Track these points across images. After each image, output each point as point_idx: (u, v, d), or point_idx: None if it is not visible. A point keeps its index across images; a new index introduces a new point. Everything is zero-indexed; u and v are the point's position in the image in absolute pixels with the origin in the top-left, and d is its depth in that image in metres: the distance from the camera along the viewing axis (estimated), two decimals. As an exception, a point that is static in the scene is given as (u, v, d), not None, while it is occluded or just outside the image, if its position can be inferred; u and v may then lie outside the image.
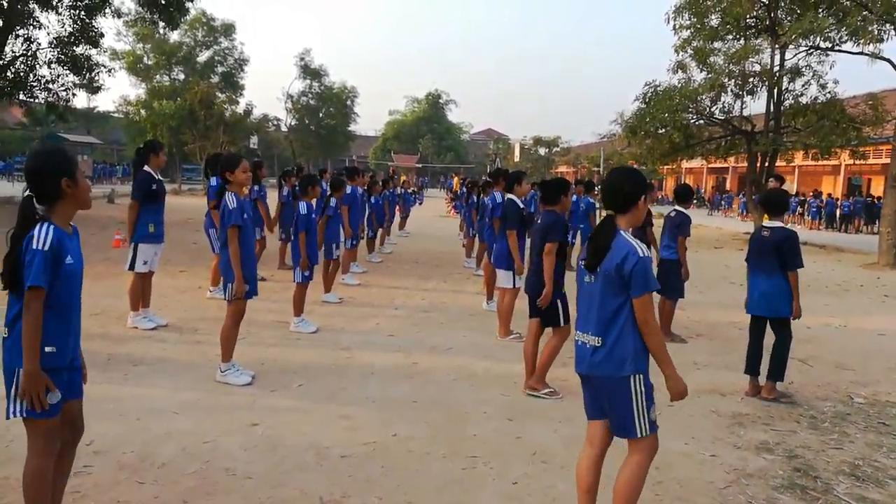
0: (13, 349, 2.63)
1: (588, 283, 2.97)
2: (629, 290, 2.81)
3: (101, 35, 21.92)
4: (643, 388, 2.87)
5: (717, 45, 19.37)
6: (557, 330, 5.30)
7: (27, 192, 2.66)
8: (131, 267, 6.59)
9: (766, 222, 5.51)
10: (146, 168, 6.60)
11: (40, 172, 2.66)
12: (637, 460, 2.93)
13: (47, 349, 2.64)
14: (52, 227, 2.61)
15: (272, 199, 10.29)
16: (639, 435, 2.88)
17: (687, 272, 7.30)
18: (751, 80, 19.09)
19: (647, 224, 8.39)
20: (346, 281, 9.80)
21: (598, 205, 12.52)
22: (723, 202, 38.65)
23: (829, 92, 18.45)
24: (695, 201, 33.55)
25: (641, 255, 2.80)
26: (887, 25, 15.45)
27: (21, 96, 22.06)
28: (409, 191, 24.17)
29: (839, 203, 28.85)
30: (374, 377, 5.57)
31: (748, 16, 18.55)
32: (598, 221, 3.24)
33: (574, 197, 11.56)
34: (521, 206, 6.97)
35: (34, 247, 2.56)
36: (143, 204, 6.54)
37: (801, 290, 5.39)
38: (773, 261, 5.34)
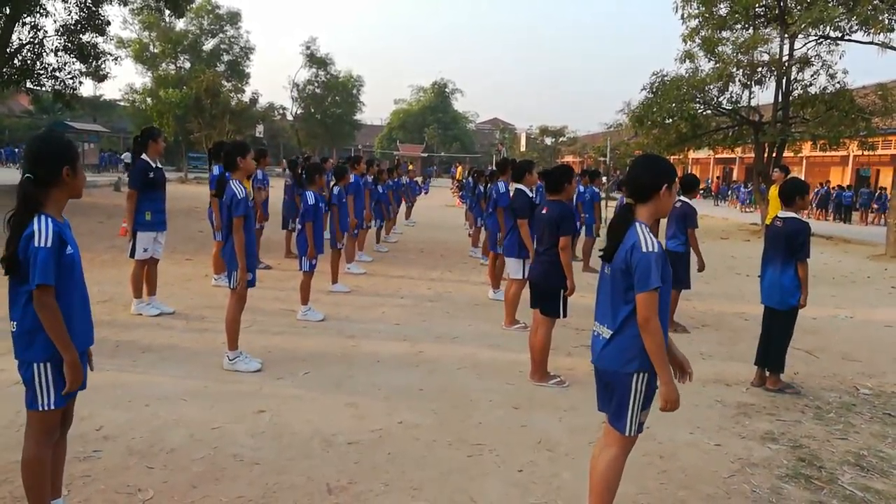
0: (23, 340, 2.64)
1: (606, 274, 2.92)
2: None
3: (108, 23, 21.98)
4: (643, 388, 2.81)
5: (725, 34, 19.23)
6: (548, 320, 5.28)
7: (26, 175, 2.63)
8: (132, 254, 6.63)
9: (781, 213, 5.46)
10: (144, 156, 6.60)
11: (43, 157, 2.65)
12: (614, 453, 2.91)
13: None
14: (49, 219, 2.60)
15: (279, 190, 10.30)
16: (625, 433, 2.85)
17: (702, 263, 7.28)
18: (759, 69, 18.95)
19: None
20: (351, 270, 9.82)
21: (602, 195, 12.45)
22: (730, 192, 38.48)
23: (839, 82, 18.32)
24: (701, 192, 33.25)
25: (646, 249, 2.70)
26: (898, 15, 15.29)
27: (28, 84, 22.14)
28: (415, 180, 24.17)
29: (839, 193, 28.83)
30: (380, 365, 5.60)
31: (757, 5, 18.40)
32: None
33: (581, 187, 11.50)
34: (531, 195, 6.92)
35: (37, 244, 2.54)
36: (141, 192, 6.53)
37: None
38: (783, 252, 5.31)
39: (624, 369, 2.81)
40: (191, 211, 16.26)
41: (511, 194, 7.21)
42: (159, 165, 6.81)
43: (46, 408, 2.67)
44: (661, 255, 2.74)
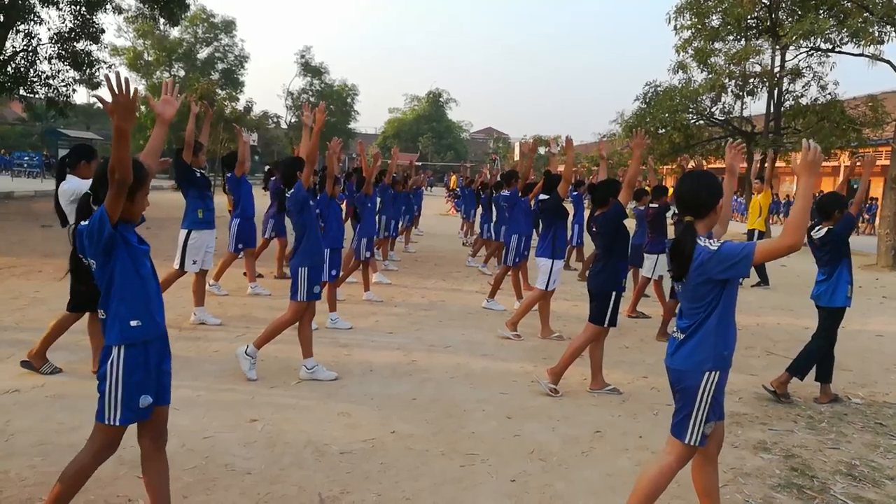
0: (104, 326, 2.66)
1: (678, 288, 2.99)
2: (726, 279, 2.79)
3: (102, 31, 22.00)
4: (712, 389, 2.83)
5: (717, 45, 19.45)
6: (593, 327, 5.26)
7: (86, 192, 2.69)
8: (181, 265, 6.60)
9: (814, 232, 5.43)
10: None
11: (102, 178, 2.61)
12: (668, 463, 2.91)
13: (133, 323, 2.65)
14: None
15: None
16: (686, 441, 2.85)
17: None
18: (751, 80, 19.17)
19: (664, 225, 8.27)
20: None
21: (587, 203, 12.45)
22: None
23: (830, 93, 18.54)
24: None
25: (715, 247, 2.76)
26: (888, 27, 15.48)
27: (21, 92, 22.07)
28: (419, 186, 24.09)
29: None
30: (373, 374, 5.59)
31: (749, 16, 18.60)
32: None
33: (576, 193, 11.51)
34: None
35: (97, 215, 2.56)
36: (190, 191, 6.70)
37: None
38: (828, 257, 5.38)
39: (696, 368, 2.84)
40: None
41: (542, 201, 7.22)
42: (203, 173, 6.92)
43: (112, 422, 2.65)
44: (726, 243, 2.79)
